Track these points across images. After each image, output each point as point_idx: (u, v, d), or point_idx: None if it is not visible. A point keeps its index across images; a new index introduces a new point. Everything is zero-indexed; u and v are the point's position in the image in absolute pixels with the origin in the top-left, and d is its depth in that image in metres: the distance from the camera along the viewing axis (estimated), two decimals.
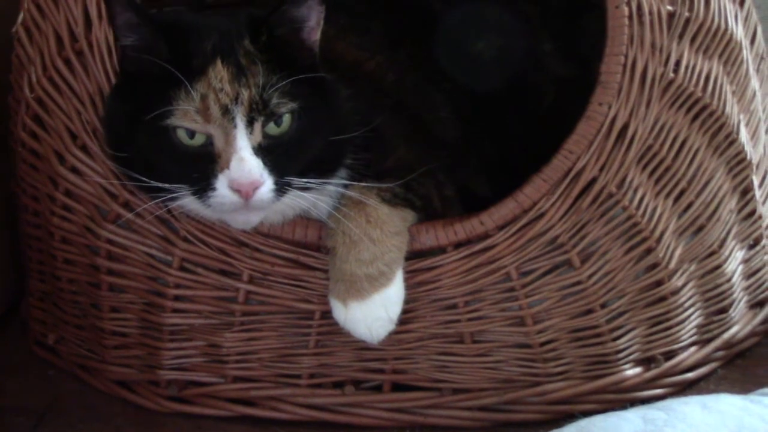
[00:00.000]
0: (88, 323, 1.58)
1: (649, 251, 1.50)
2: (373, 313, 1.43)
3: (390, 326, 1.44)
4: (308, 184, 1.36)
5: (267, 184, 1.32)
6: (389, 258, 1.43)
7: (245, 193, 1.31)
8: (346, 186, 1.44)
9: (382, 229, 1.42)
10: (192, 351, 1.53)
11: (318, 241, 1.45)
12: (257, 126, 1.32)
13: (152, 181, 1.34)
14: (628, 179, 1.46)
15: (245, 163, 1.31)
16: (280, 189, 1.34)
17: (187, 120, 1.32)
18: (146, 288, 1.52)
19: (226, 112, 1.31)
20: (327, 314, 1.46)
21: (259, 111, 1.32)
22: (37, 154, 1.54)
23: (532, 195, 1.44)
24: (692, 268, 1.55)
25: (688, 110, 1.49)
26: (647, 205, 1.48)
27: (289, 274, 1.48)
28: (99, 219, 1.50)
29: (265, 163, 1.32)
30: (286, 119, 1.34)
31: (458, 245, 1.47)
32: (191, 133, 1.32)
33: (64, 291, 1.60)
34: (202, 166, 1.33)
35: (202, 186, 1.32)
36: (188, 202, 1.36)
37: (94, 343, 1.59)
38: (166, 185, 1.34)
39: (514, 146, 1.64)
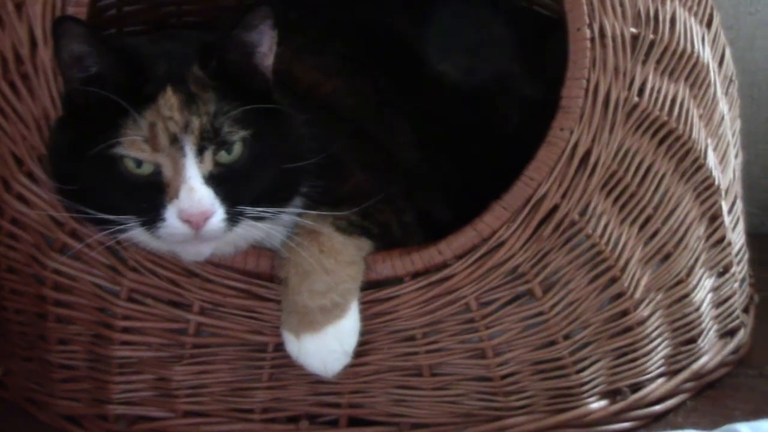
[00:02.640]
0: (36, 355, 1.53)
1: (613, 280, 1.46)
2: (327, 345, 1.38)
3: (345, 359, 1.39)
4: (261, 214, 1.31)
5: (218, 214, 1.27)
6: (344, 289, 1.38)
7: (195, 223, 1.26)
8: (300, 215, 1.39)
9: (336, 259, 1.37)
10: (141, 385, 1.47)
11: (271, 271, 1.41)
12: (208, 154, 1.28)
13: (100, 214, 1.29)
14: (592, 206, 1.42)
15: (195, 193, 1.26)
16: (232, 219, 1.29)
17: (134, 149, 1.27)
18: (94, 319, 1.46)
19: (174, 140, 1.27)
20: (281, 346, 1.41)
21: (209, 139, 1.28)
22: None
23: (492, 223, 1.40)
24: (659, 297, 1.51)
25: (654, 135, 1.45)
26: (611, 233, 1.44)
27: (241, 305, 1.43)
28: (45, 248, 1.45)
29: (216, 193, 1.27)
30: (238, 147, 1.30)
31: (416, 275, 1.42)
32: (138, 162, 1.28)
33: (11, 322, 1.55)
34: (150, 197, 1.28)
35: (151, 217, 1.27)
36: (137, 233, 1.31)
37: (42, 376, 1.53)
38: (114, 217, 1.29)
39: (479, 170, 1.60)
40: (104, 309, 1.46)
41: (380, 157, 1.55)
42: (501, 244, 1.41)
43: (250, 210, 1.30)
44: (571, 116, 1.39)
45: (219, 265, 1.41)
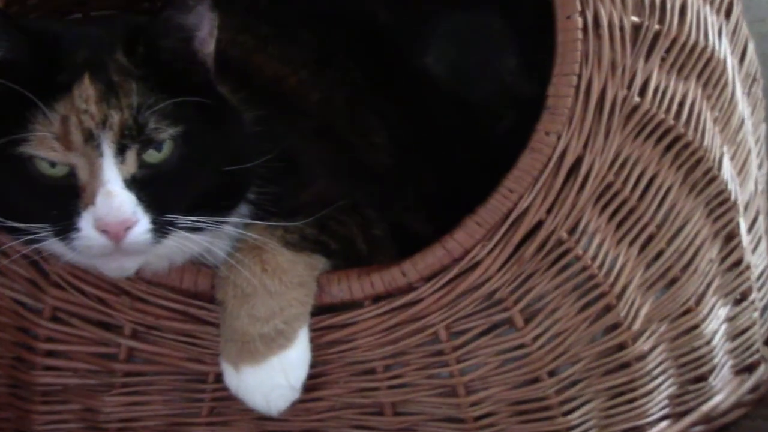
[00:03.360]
0: None
1: (608, 309, 1.28)
2: (271, 379, 1.21)
3: (292, 395, 1.22)
4: (196, 224, 1.14)
5: (142, 224, 1.10)
6: (290, 314, 1.20)
7: (114, 234, 1.09)
8: (246, 226, 1.21)
9: (282, 279, 1.20)
10: (67, 416, 1.32)
11: (211, 291, 1.24)
12: (130, 154, 1.10)
13: (8, 222, 1.12)
14: (583, 223, 1.24)
15: (113, 199, 1.09)
16: (160, 229, 1.12)
17: (43, 148, 1.10)
18: (14, 340, 1.31)
19: (90, 137, 1.09)
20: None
21: (132, 137, 1.10)
22: None
23: (464, 241, 1.23)
24: (662, 328, 1.33)
25: (658, 141, 1.27)
26: (606, 254, 1.26)
27: (177, 328, 1.26)
28: None
29: (139, 198, 1.10)
30: (167, 146, 1.12)
31: (377, 299, 1.26)
32: (52, 163, 1.10)
33: None
34: (64, 202, 1.11)
35: (65, 226, 1.11)
36: (51, 244, 1.14)
37: None
38: (23, 226, 1.12)
39: (465, 178, 1.42)
40: (26, 329, 1.30)
41: (348, 161, 1.37)
42: (475, 266, 1.24)
43: (182, 219, 1.13)
44: (559, 118, 1.21)
45: (152, 282, 1.25)
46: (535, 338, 1.27)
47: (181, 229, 1.13)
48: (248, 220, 1.21)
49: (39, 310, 1.28)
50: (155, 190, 1.11)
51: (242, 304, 1.19)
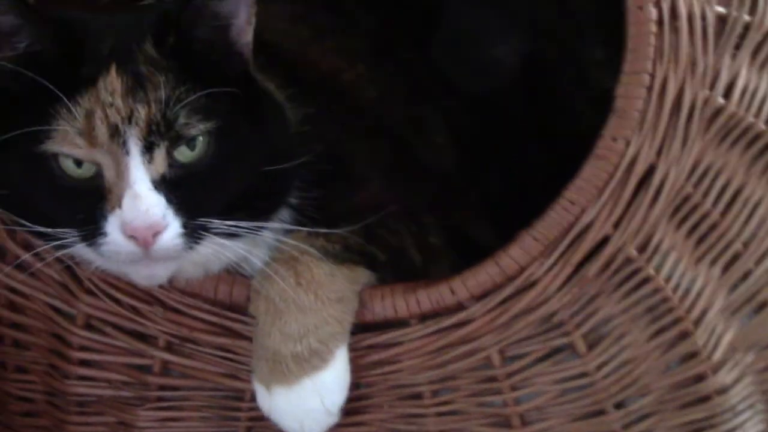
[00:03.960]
0: None
1: (684, 336, 1.14)
2: (304, 403, 1.11)
3: (328, 420, 1.12)
4: (232, 229, 1.05)
5: (172, 228, 1.02)
6: (325, 332, 1.10)
7: (143, 239, 1.01)
8: (287, 233, 1.12)
9: (317, 294, 1.10)
10: (101, 428, 1.24)
11: (247, 303, 1.15)
12: (159, 152, 1.02)
13: (34, 226, 1.05)
14: (655, 240, 1.10)
15: (141, 201, 1.01)
16: (192, 234, 1.03)
17: (67, 144, 1.02)
18: (49, 347, 1.24)
19: (116, 134, 1.01)
20: None
21: (160, 134, 1.02)
22: None
23: (520, 258, 1.11)
24: (749, 358, 1.18)
25: (746, 149, 1.12)
26: (683, 275, 1.12)
27: (212, 342, 1.18)
28: None
29: (169, 201, 1.02)
30: (200, 143, 1.04)
31: (424, 318, 1.14)
32: (78, 163, 1.03)
33: None
34: (90, 205, 1.03)
35: (91, 230, 1.03)
36: (79, 249, 1.06)
37: (2, 407, 1.31)
38: (50, 231, 1.04)
39: (534, 181, 1.29)
40: (60, 336, 1.23)
41: (404, 162, 1.26)
42: (532, 285, 1.12)
43: (216, 224, 1.04)
44: (628, 122, 1.08)
45: (185, 292, 1.17)
46: (600, 366, 1.14)
47: (216, 234, 1.05)
48: (289, 226, 1.12)
49: (72, 317, 1.22)
50: (187, 192, 1.03)
51: (274, 320, 1.10)
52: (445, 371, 1.15)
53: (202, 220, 1.03)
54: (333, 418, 1.12)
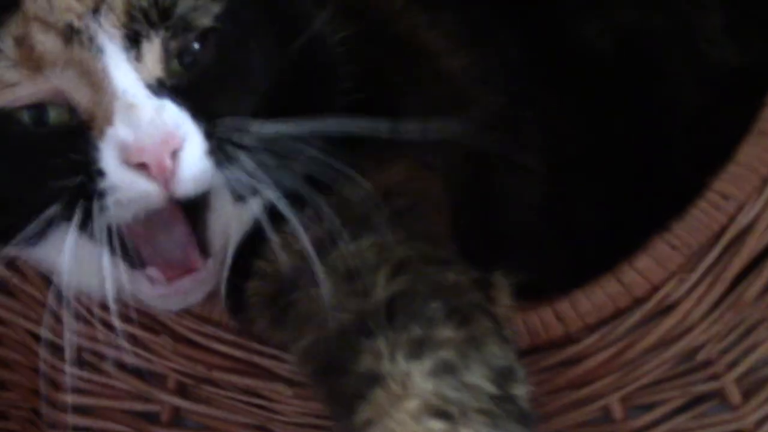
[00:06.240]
0: None
1: None
2: None
3: None
4: (272, 137, 0.77)
5: (194, 141, 0.74)
6: None
7: (157, 164, 0.73)
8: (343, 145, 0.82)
9: None
10: None
11: None
12: (150, 48, 0.76)
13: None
14: None
15: (140, 108, 0.74)
16: (222, 149, 0.76)
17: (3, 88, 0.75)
18: (31, 386, 1.04)
19: (72, 34, 0.75)
20: None
21: (150, 20, 0.75)
22: None
23: (651, 273, 0.87)
24: None
25: None
26: None
27: (237, 383, 0.95)
28: None
29: (179, 105, 0.75)
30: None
31: (521, 353, 0.88)
32: (38, 111, 0.76)
33: None
34: (73, 161, 0.75)
35: (78, 187, 0.75)
36: (70, 246, 0.76)
37: None
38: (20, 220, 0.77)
39: (631, 185, 1.06)
40: (45, 373, 1.00)
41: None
42: (668, 310, 0.89)
43: (255, 127, 0.77)
44: None
45: (201, 317, 0.94)
46: (760, 421, 0.91)
47: (252, 150, 0.76)
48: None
49: (59, 348, 0.98)
50: (200, 93, 0.77)
51: None
52: (550, 426, 0.92)
53: (230, 125, 0.76)
54: None
